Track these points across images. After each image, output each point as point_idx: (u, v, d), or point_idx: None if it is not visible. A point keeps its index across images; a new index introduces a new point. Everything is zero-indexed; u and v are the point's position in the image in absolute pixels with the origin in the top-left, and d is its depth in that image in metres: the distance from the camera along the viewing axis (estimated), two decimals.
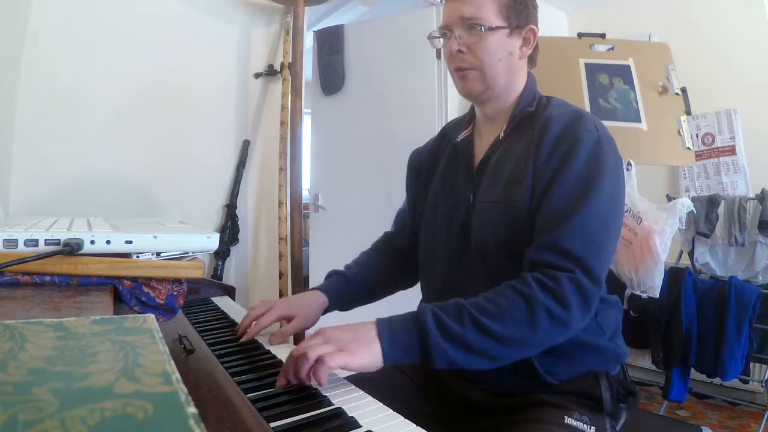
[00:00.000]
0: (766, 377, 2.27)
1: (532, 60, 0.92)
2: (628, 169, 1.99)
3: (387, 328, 0.70)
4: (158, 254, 0.64)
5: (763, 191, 2.30)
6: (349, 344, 0.67)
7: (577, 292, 0.72)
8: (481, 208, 0.86)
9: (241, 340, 0.85)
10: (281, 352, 0.81)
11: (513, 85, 0.90)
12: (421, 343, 0.69)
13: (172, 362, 0.28)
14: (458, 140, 0.96)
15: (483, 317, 0.70)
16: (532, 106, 0.88)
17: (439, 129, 1.09)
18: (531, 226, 0.79)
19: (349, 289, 1.00)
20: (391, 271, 1.07)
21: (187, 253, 0.69)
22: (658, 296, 2.03)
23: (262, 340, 0.87)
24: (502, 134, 0.89)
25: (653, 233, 1.92)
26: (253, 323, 0.88)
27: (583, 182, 0.76)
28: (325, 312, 0.97)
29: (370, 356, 0.68)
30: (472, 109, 0.98)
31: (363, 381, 0.73)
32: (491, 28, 0.83)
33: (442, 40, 0.89)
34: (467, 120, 0.99)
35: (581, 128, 0.79)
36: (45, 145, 1.55)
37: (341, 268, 1.05)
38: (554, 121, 0.82)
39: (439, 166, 1.00)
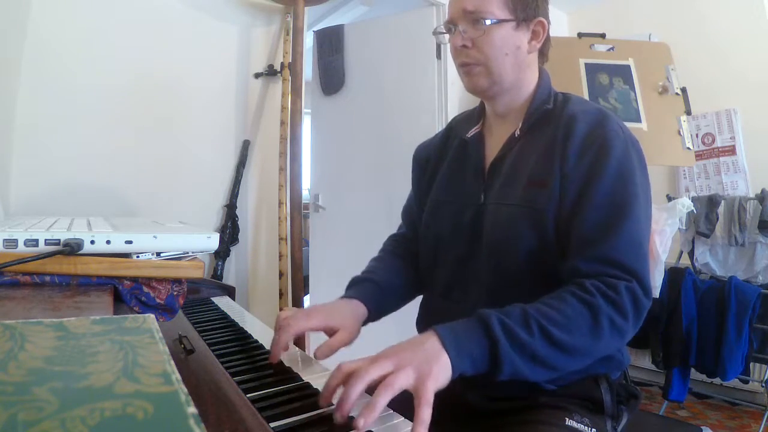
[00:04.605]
0: (766, 377, 2.27)
1: (543, 54, 0.89)
2: None
3: (451, 337, 0.63)
4: (158, 254, 0.64)
5: (763, 191, 2.30)
6: (423, 365, 0.58)
7: (632, 302, 0.70)
8: (496, 210, 0.83)
9: (273, 357, 0.73)
10: (285, 354, 0.80)
11: (523, 81, 0.86)
12: (491, 352, 0.64)
13: (172, 362, 0.28)
14: (468, 136, 0.92)
15: (551, 326, 0.65)
16: (550, 103, 0.84)
17: (440, 128, 1.06)
18: (557, 231, 0.76)
19: (383, 296, 0.90)
20: (415, 275, 0.98)
21: (187, 253, 0.69)
22: (658, 296, 2.04)
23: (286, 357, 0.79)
24: (518, 132, 0.85)
25: (653, 233, 1.92)
26: (284, 328, 0.75)
27: (622, 188, 0.74)
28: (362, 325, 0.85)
29: (445, 373, 0.60)
30: (482, 103, 0.94)
31: None
32: (496, 22, 0.80)
33: (447, 35, 0.86)
34: (477, 115, 0.95)
35: (608, 129, 0.77)
36: (45, 145, 1.55)
37: (359, 274, 0.94)
38: (579, 120, 0.78)
39: (445, 161, 0.96)
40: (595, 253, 0.72)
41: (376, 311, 0.88)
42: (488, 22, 0.80)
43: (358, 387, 0.55)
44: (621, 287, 0.69)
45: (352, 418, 0.56)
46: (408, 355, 0.59)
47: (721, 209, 2.38)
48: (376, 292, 0.89)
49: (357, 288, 0.89)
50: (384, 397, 0.54)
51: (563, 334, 0.65)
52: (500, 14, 0.80)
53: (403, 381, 0.56)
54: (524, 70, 0.86)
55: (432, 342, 0.62)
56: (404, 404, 0.60)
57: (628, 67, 2.33)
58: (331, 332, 0.79)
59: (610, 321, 0.68)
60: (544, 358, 0.65)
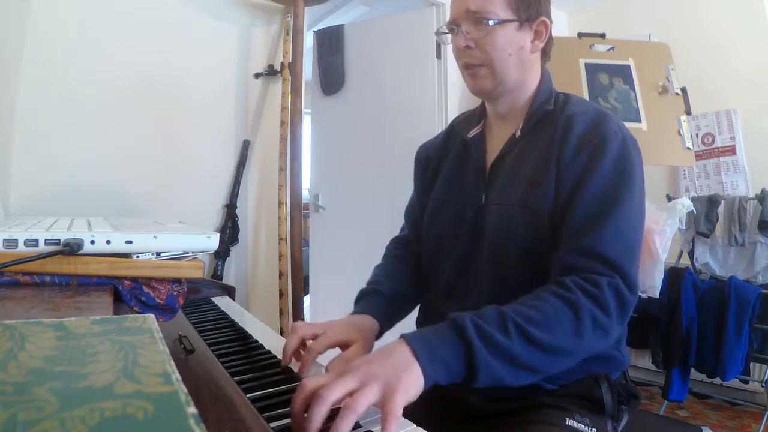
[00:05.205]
0: (766, 377, 2.27)
1: (545, 54, 0.89)
2: None
3: (422, 344, 0.59)
4: (158, 254, 0.64)
5: (763, 191, 2.30)
6: (391, 377, 0.54)
7: (616, 298, 0.68)
8: (497, 210, 0.83)
9: (293, 370, 0.71)
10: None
11: (526, 81, 0.86)
12: (466, 358, 0.60)
13: (172, 362, 0.28)
14: (469, 136, 0.92)
15: (529, 326, 0.63)
16: (551, 104, 0.84)
17: (440, 129, 1.07)
18: (553, 230, 0.76)
19: (392, 307, 0.89)
20: (419, 278, 0.97)
21: (187, 253, 0.69)
22: (658, 296, 2.03)
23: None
24: (518, 132, 0.85)
25: (653, 233, 1.92)
26: (310, 351, 0.72)
27: (615, 184, 0.73)
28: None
29: (416, 384, 0.56)
30: (483, 104, 0.94)
31: None
32: (499, 22, 0.80)
33: (450, 36, 0.86)
34: (478, 115, 0.95)
35: (606, 128, 0.77)
36: (45, 144, 1.55)
37: (365, 285, 0.93)
38: (577, 120, 0.79)
39: (446, 162, 0.96)
40: (579, 245, 0.71)
41: (388, 322, 0.87)
42: (491, 22, 0.80)
43: (322, 410, 0.51)
44: (603, 283, 0.68)
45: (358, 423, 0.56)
46: (375, 369, 0.55)
47: (721, 209, 2.38)
48: (384, 304, 0.88)
49: (366, 302, 0.88)
50: (347, 421, 0.50)
51: (543, 334, 0.63)
52: (503, 14, 0.80)
53: (369, 398, 0.52)
54: (527, 70, 0.86)
55: (401, 351, 0.58)
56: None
57: (628, 67, 2.33)
58: (346, 346, 0.77)
59: (593, 318, 0.66)
60: (523, 361, 0.62)
